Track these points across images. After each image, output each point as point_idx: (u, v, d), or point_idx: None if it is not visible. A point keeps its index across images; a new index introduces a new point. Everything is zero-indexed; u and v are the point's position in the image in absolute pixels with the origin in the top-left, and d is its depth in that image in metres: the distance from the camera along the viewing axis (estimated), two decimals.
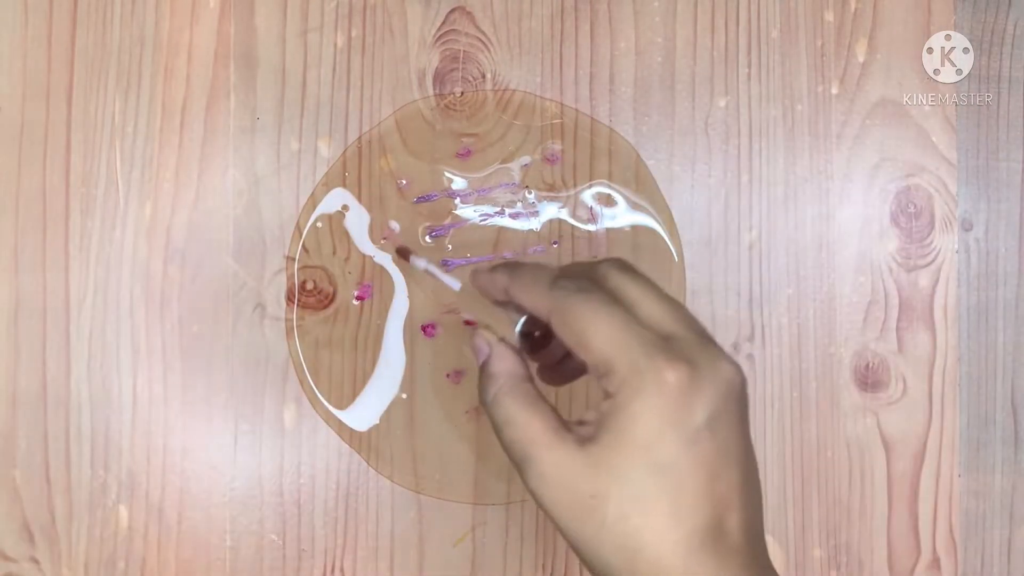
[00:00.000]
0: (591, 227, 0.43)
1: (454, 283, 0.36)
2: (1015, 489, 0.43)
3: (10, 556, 0.42)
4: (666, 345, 0.27)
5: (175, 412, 0.42)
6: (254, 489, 0.42)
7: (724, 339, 0.43)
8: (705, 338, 0.28)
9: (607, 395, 0.27)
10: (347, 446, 0.42)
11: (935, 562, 0.43)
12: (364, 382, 0.42)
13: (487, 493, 0.42)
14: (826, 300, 0.43)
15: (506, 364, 0.30)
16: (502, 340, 0.31)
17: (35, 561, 0.42)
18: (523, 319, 0.31)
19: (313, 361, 0.42)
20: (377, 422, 0.42)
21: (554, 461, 0.27)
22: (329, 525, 0.42)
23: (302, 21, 0.43)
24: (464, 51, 0.43)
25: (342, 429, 0.42)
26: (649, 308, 0.28)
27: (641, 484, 0.26)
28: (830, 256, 0.43)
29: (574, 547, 0.27)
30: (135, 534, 0.42)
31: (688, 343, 0.27)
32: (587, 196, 0.43)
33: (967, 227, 0.43)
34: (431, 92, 0.43)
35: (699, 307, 0.43)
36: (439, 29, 0.43)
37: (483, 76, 0.43)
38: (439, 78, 0.43)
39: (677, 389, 0.26)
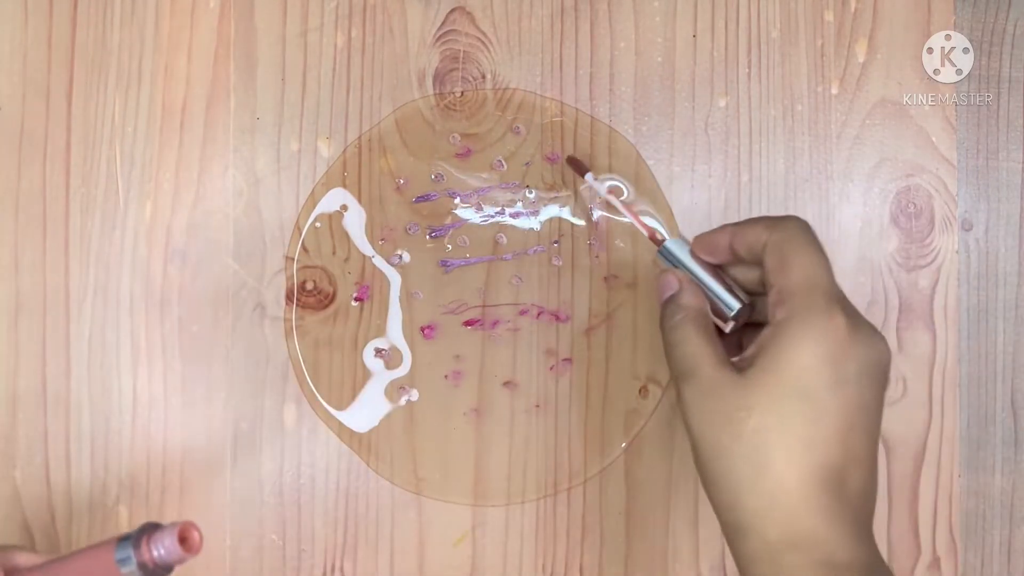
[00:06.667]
0: (597, 213, 0.42)
1: (643, 229, 0.38)
2: (1015, 489, 0.43)
3: None
4: (846, 301, 0.30)
5: (175, 412, 0.42)
6: (254, 489, 0.42)
7: None
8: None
9: (773, 323, 0.30)
10: (347, 446, 0.42)
11: (935, 562, 0.43)
12: (364, 383, 0.42)
13: (487, 494, 0.42)
14: None
15: (695, 300, 0.33)
16: (692, 280, 0.34)
17: None
18: (739, 307, 0.33)
19: (313, 361, 0.42)
20: (376, 423, 0.42)
21: (714, 377, 0.30)
22: (329, 525, 0.42)
23: (302, 21, 0.43)
24: (464, 51, 0.43)
25: (341, 430, 0.42)
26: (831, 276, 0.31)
27: (787, 404, 0.28)
28: (830, 256, 0.43)
29: (705, 460, 0.30)
30: None
31: (857, 312, 0.30)
32: (599, 186, 0.42)
33: (967, 227, 0.43)
34: (431, 92, 0.43)
35: None
36: (439, 29, 0.43)
37: (483, 76, 0.43)
38: (439, 78, 0.43)
39: (844, 335, 0.29)
